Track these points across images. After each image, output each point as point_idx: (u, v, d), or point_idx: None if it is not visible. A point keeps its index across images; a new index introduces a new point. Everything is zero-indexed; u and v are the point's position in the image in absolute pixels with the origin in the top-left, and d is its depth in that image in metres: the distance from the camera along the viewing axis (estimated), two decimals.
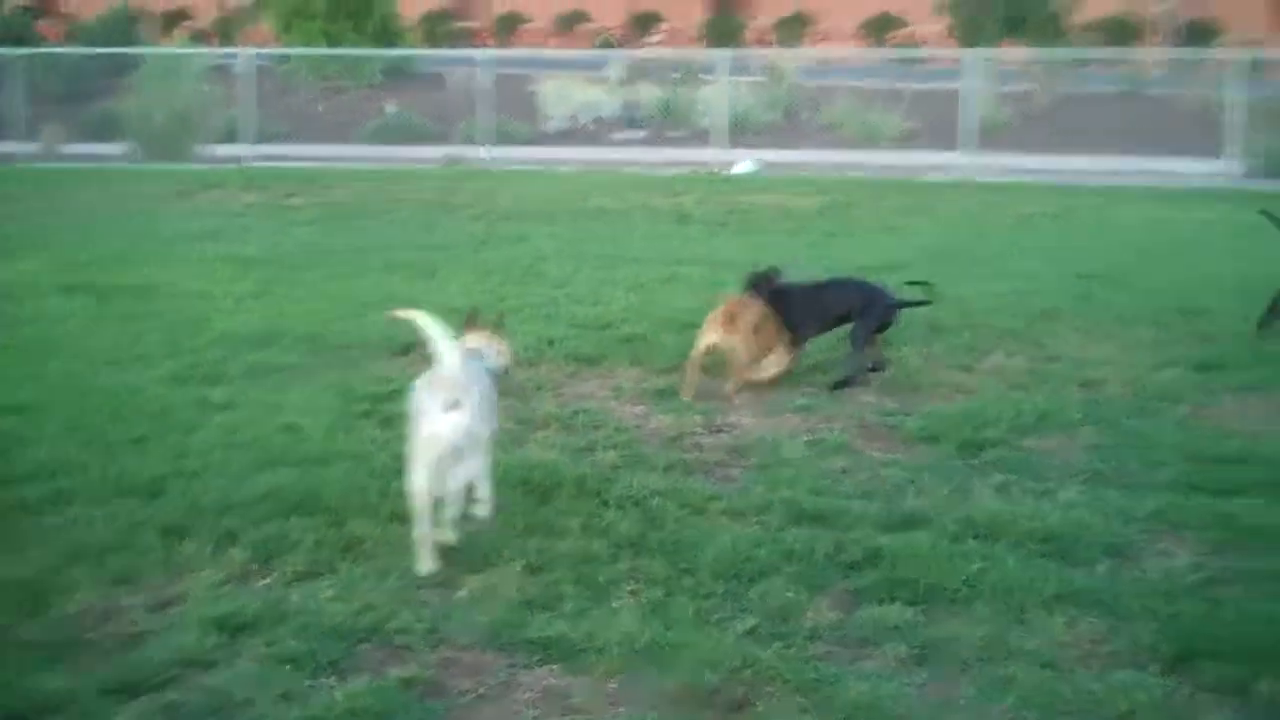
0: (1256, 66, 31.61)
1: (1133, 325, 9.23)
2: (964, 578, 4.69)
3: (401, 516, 5.29)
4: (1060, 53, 32.53)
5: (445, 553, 4.89)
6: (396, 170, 22.00)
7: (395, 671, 4.08)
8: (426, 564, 4.81)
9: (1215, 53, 32.41)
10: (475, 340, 5.36)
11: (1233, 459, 6.19)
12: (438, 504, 4.85)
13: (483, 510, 5.04)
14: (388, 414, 6.83)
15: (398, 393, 7.18)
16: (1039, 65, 31.34)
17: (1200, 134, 24.64)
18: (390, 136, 27.29)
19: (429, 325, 4.74)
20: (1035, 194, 19.26)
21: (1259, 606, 4.50)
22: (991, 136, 25.12)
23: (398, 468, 5.82)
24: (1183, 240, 14.21)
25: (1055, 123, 27.63)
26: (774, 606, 4.50)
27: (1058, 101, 30.42)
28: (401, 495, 5.04)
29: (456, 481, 4.83)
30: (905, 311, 8.04)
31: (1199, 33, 47.50)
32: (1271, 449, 6.44)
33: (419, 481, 4.77)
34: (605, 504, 5.46)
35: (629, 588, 4.65)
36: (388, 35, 35.93)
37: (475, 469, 4.89)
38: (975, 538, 5.11)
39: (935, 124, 25.76)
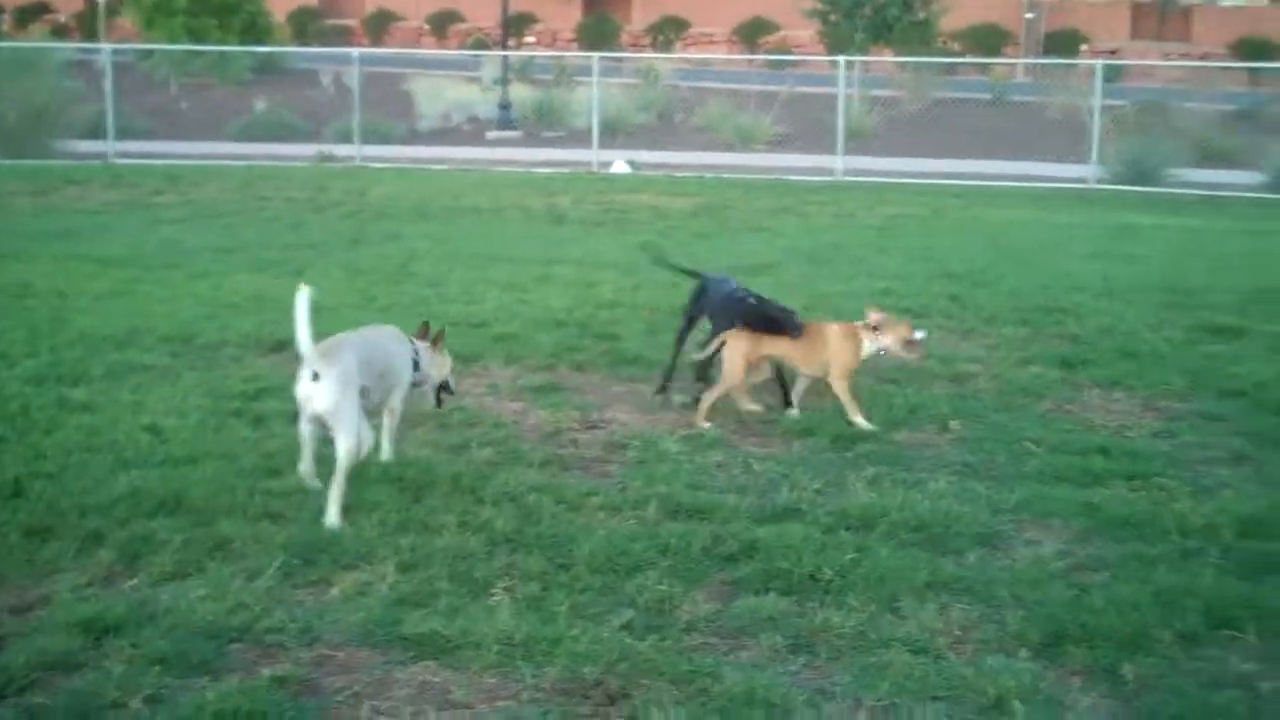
0: (1116, 74, 32.61)
1: (999, 323, 9.42)
2: (838, 568, 4.74)
3: (273, 515, 5.20)
4: (928, 59, 33.13)
5: (318, 551, 4.82)
6: (266, 168, 21.64)
7: (268, 670, 3.99)
8: (310, 480, 5.40)
9: (1078, 60, 33.29)
10: (421, 344, 6.02)
11: (1096, 450, 6.34)
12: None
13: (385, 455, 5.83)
14: (259, 413, 6.70)
15: (267, 391, 7.09)
16: (908, 71, 31.92)
17: (1064, 139, 25.29)
18: (260, 134, 26.84)
19: (300, 306, 5.14)
20: (904, 196, 19.60)
21: (1123, 592, 4.60)
22: (862, 140, 25.53)
23: (269, 467, 5.77)
24: (1047, 241, 14.55)
25: (924, 127, 28.13)
26: (651, 600, 4.50)
27: (926, 106, 30.97)
28: (273, 493, 5.32)
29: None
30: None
31: (1063, 41, 48.79)
32: (1133, 441, 6.62)
33: (301, 426, 5.40)
34: (481, 501, 5.41)
35: (505, 583, 4.61)
36: (255, 32, 35.38)
37: (349, 437, 5.26)
38: (848, 529, 5.17)
39: (807, 127, 26.09)
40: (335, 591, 4.58)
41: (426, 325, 6.21)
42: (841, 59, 25.02)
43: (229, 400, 7.01)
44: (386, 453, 5.88)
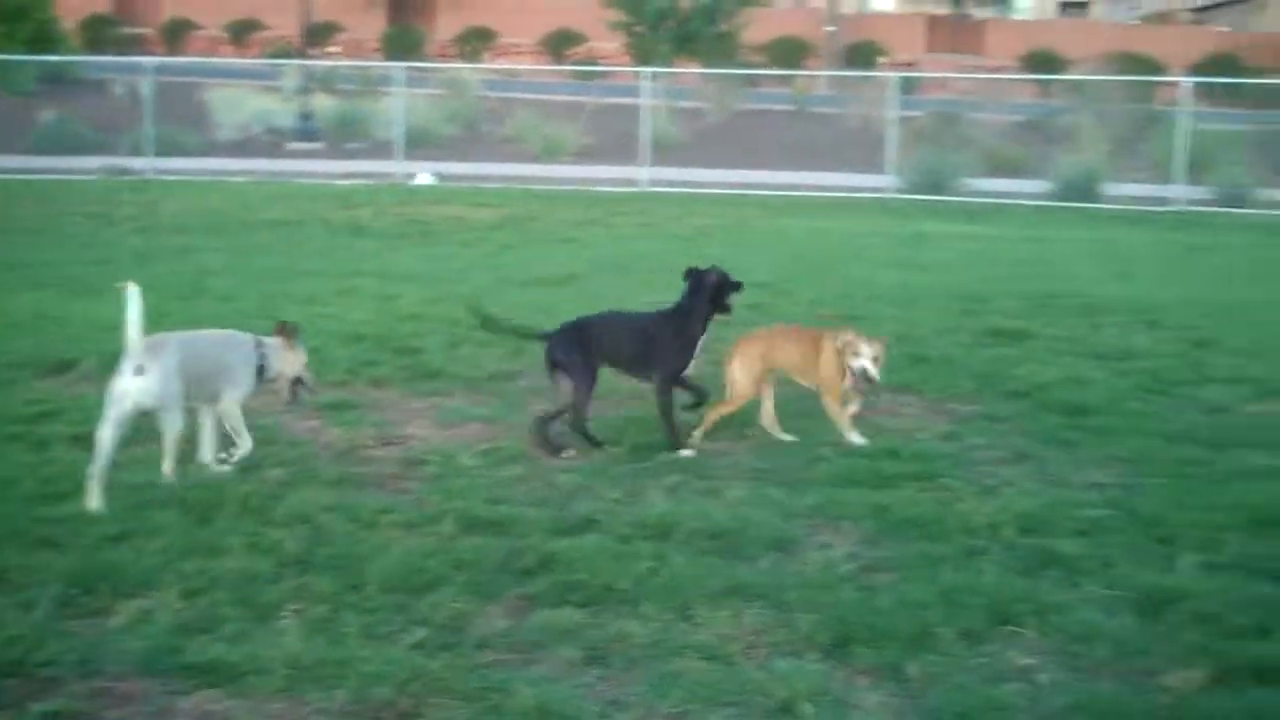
0: (912, 85, 33.61)
1: None
2: (634, 577, 4.75)
3: (52, 542, 4.99)
4: (732, 71, 33.66)
5: (98, 579, 4.63)
6: (54, 182, 20.83)
7: (39, 705, 3.82)
8: (93, 501, 5.35)
9: (876, 73, 34.20)
10: (273, 342, 6.17)
11: (886, 454, 6.49)
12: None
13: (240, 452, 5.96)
14: (40, 437, 6.43)
15: (51, 415, 6.81)
16: (713, 83, 32.40)
17: (864, 149, 25.99)
18: (48, 146, 25.84)
19: (131, 303, 5.40)
20: (710, 207, 19.88)
21: (910, 591, 4.71)
22: (668, 151, 25.80)
23: (49, 492, 5.53)
24: (847, 250, 14.90)
25: (729, 138, 28.60)
26: (444, 617, 4.44)
27: (731, 118, 31.51)
28: (53, 520, 5.17)
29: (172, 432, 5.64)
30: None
31: (862, 53, 50.08)
32: (922, 444, 6.80)
33: (103, 428, 5.43)
34: (270, 522, 5.28)
35: (294, 606, 4.50)
36: (44, 40, 34.08)
37: (174, 426, 5.61)
38: (646, 538, 5.19)
39: (613, 138, 26.24)
40: (115, 620, 4.41)
41: (282, 324, 6.31)
42: (647, 70, 25.27)
43: (8, 424, 6.70)
44: (208, 459, 6.01)
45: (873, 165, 24.08)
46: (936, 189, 22.66)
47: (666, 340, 6.75)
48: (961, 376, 8.24)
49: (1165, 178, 22.83)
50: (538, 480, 6.03)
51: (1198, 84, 27.63)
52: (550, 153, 26.23)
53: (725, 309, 6.94)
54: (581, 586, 4.69)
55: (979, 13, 58.37)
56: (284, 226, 15.90)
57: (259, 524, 5.25)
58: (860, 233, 16.92)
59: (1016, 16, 63.13)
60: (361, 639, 4.24)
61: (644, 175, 23.16)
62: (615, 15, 39.73)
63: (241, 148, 27.30)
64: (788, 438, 6.85)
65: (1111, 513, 5.68)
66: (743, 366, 6.79)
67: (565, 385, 6.63)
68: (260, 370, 6.10)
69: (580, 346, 6.66)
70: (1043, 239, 16.91)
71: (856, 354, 6.68)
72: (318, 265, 12.37)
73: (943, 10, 58.01)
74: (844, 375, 6.76)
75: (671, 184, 22.89)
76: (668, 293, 10.88)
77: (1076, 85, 31.94)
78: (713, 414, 6.75)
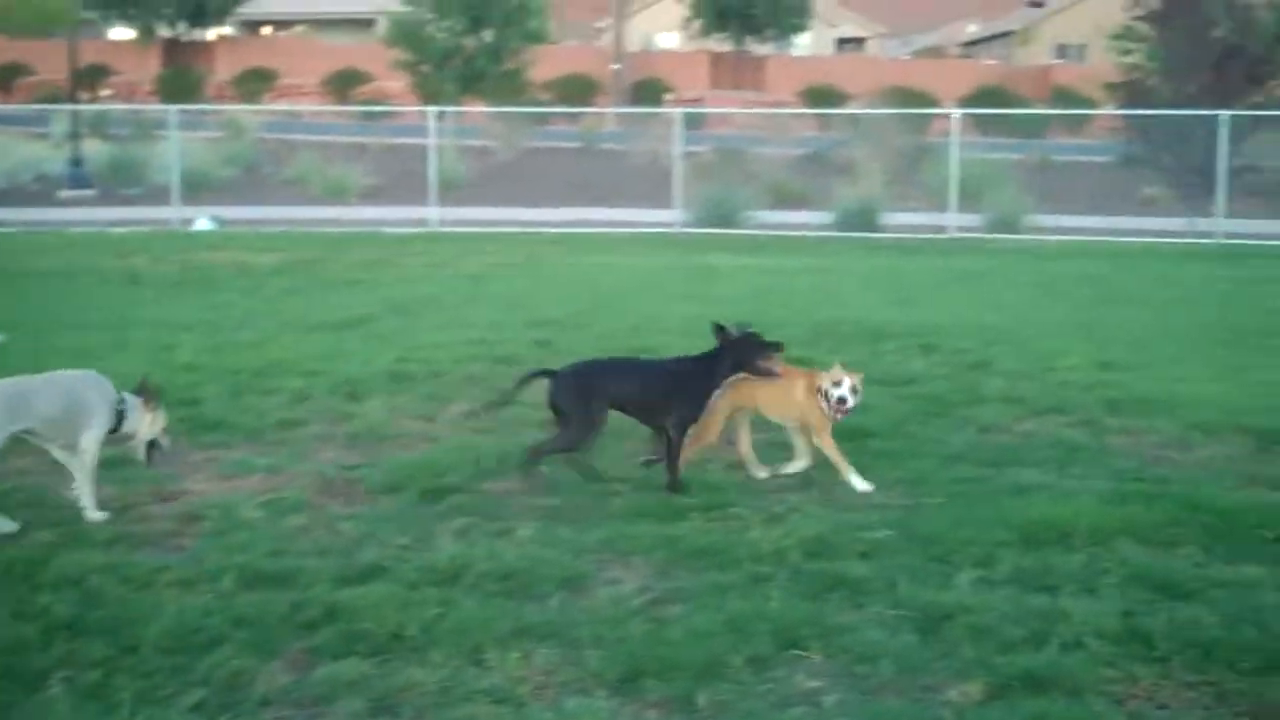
0: (697, 121, 34.20)
1: None
2: (422, 624, 4.67)
3: None
4: (519, 110, 33.77)
5: None
6: None
7: None
8: None
9: (661, 109, 34.70)
10: (133, 399, 6.18)
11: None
12: None
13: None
14: None
15: None
16: (500, 121, 32.45)
17: (651, 185, 26.30)
18: None
19: None
20: (498, 244, 19.85)
21: (699, 621, 4.74)
22: (456, 190, 25.70)
23: None
24: (637, 285, 15.03)
25: (517, 176, 28.64)
26: (224, 676, 4.29)
27: (519, 155, 31.58)
28: None
29: None
30: (369, 365, 7.98)
31: (649, 90, 50.79)
32: (711, 474, 6.88)
33: None
34: (38, 587, 5.03)
35: (63, 674, 4.29)
36: None
37: None
38: (434, 583, 5.11)
39: (400, 178, 26.02)
40: None
41: (144, 382, 6.34)
42: (431, 109, 25.13)
43: None
44: (89, 512, 6.01)
45: (660, 200, 24.38)
46: (723, 222, 23.07)
47: (685, 388, 6.67)
48: None
49: (940, 206, 23.67)
50: (322, 530, 5.89)
51: (968, 115, 28.80)
52: (335, 194, 25.84)
53: (755, 370, 6.78)
54: (367, 636, 4.59)
55: (760, 50, 59.76)
56: (54, 277, 15.28)
57: (26, 590, 4.99)
58: (650, 267, 17.10)
59: (796, 53, 64.86)
60: (137, 703, 4.06)
61: (433, 215, 23.01)
62: (399, 55, 39.46)
63: (9, 196, 26.16)
64: (763, 473, 6.83)
65: (893, 534, 5.83)
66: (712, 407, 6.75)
67: (562, 427, 6.60)
68: (119, 419, 6.12)
69: (587, 390, 6.57)
70: (825, 268, 17.35)
71: (838, 384, 6.69)
72: (90, 317, 11.90)
73: (725, 48, 59.21)
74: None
75: (461, 223, 22.79)
76: (457, 332, 10.90)
77: (854, 119, 32.95)
78: (687, 452, 6.71)
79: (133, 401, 6.19)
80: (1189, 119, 23.46)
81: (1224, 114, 22.46)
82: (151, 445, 6.29)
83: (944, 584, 5.21)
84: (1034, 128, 37.30)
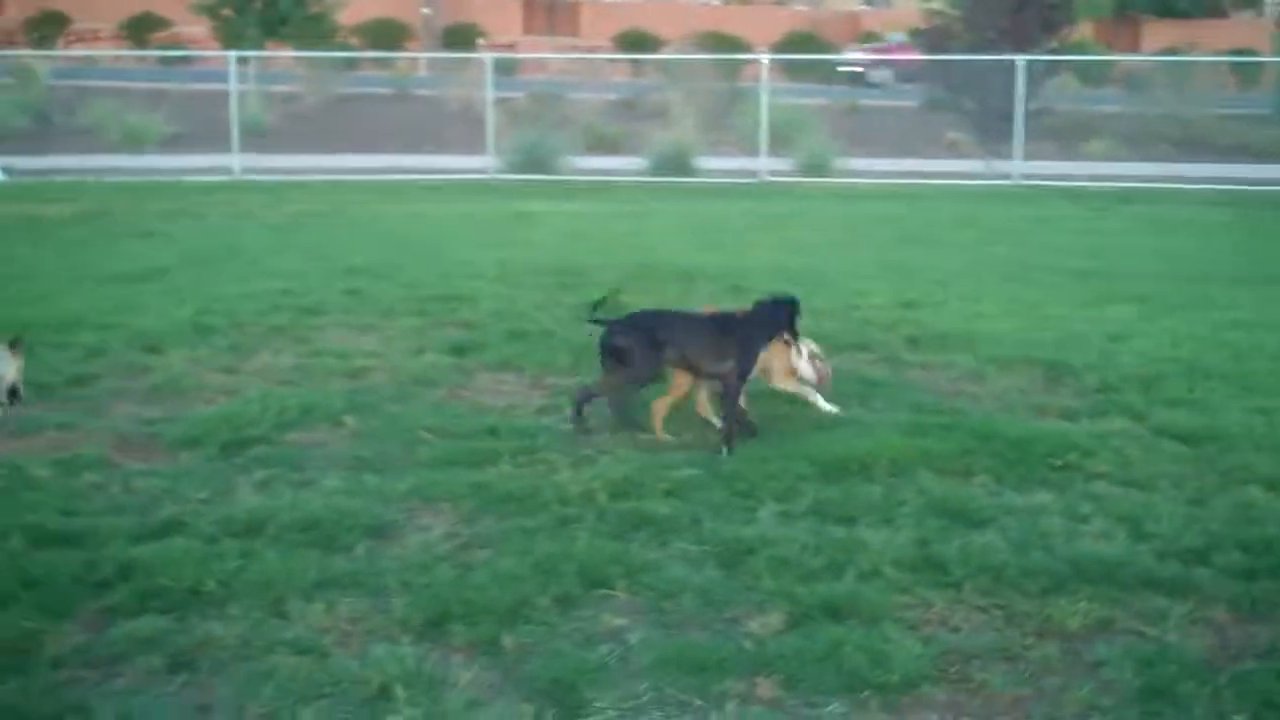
0: (510, 67, 33.92)
1: (396, 316, 9.50)
2: (220, 578, 4.58)
3: None
4: (327, 54, 32.98)
5: None
6: None
7: None
8: None
9: (472, 54, 34.26)
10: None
11: (486, 432, 6.53)
12: None
13: None
14: None
15: None
16: (307, 66, 31.66)
17: (464, 131, 26.00)
18: None
19: None
20: (306, 193, 19.43)
21: (506, 565, 4.75)
22: (261, 138, 25.05)
23: None
24: (448, 232, 14.87)
25: (326, 123, 28.03)
26: (14, 638, 4.15)
27: (328, 102, 30.91)
28: None
29: None
30: (168, 317, 7.74)
31: (461, 35, 50.14)
32: (521, 419, 6.87)
33: None
34: None
35: None
36: None
37: None
38: (234, 536, 5.01)
39: (202, 126, 25.21)
40: None
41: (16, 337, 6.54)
42: (233, 54, 24.40)
43: None
44: None
45: (474, 147, 24.13)
46: (538, 168, 22.94)
47: (745, 341, 6.55)
48: (560, 351, 8.36)
49: (752, 151, 23.92)
50: (117, 487, 5.70)
51: (778, 61, 29.13)
52: (133, 143, 24.90)
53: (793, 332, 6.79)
54: (164, 592, 4.49)
55: None
56: None
57: None
58: (462, 214, 16.93)
59: None
60: None
61: (236, 163, 22.37)
62: None
63: None
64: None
65: (699, 472, 5.91)
66: None
67: (615, 372, 6.56)
68: None
69: (645, 338, 6.50)
70: (639, 213, 17.42)
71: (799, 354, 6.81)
72: None
73: None
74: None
75: (267, 171, 22.20)
76: (261, 282, 10.63)
77: (667, 65, 33.06)
78: (660, 407, 6.62)
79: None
80: (988, 64, 24.11)
81: (1020, 59, 23.14)
82: (11, 391, 6.39)
83: (747, 519, 5.32)
84: (842, 73, 37.86)
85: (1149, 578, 4.73)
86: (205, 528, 5.11)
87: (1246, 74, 40.86)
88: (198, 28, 41.40)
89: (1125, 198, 20.25)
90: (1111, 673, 4.06)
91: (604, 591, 4.62)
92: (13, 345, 6.43)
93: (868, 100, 35.49)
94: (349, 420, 6.78)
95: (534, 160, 23.17)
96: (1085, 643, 4.29)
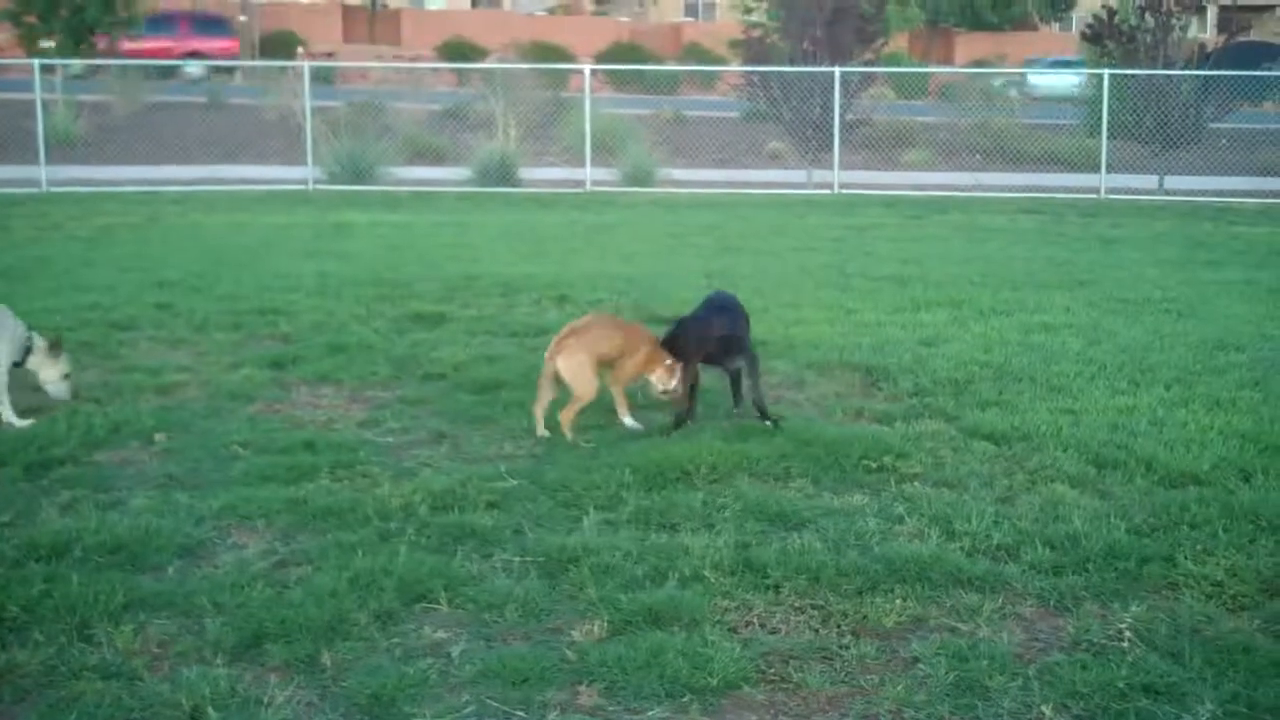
0: (329, 75, 33.41)
1: (210, 329, 9.28)
2: (24, 603, 4.41)
3: None
4: (137, 63, 32.08)
5: None
6: None
7: None
8: None
9: (289, 63, 33.63)
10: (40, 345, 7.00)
11: (302, 446, 6.40)
12: None
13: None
14: None
15: None
16: (117, 75, 30.76)
17: (282, 141, 25.52)
18: None
19: None
20: (118, 204, 18.86)
21: (323, 582, 4.66)
22: (69, 148, 24.24)
23: None
24: (267, 243, 14.58)
25: (139, 132, 27.21)
26: None
27: (140, 111, 30.05)
28: None
29: None
30: None
31: (280, 43, 49.25)
32: (341, 433, 6.76)
33: None
34: None
35: None
36: None
37: None
38: (38, 560, 4.83)
39: (7, 136, 24.28)
40: None
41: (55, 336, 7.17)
42: (37, 62, 23.55)
43: None
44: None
45: (293, 157, 23.70)
46: (358, 179, 22.65)
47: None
48: (380, 362, 8.27)
49: (576, 161, 23.98)
50: None
51: (602, 71, 29.25)
52: None
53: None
54: None
55: (394, 3, 58.89)
56: None
57: None
58: (280, 225, 16.61)
59: (432, 7, 64.26)
60: None
61: (43, 175, 21.58)
62: (2, 4, 36.71)
63: None
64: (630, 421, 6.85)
65: (522, 483, 5.90)
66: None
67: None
68: (25, 353, 6.94)
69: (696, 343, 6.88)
70: (463, 224, 17.31)
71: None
72: None
73: (358, 0, 58.07)
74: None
75: (76, 183, 21.46)
76: (70, 296, 10.25)
77: (490, 74, 32.94)
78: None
79: (39, 344, 7.02)
80: (805, 76, 24.58)
81: (836, 70, 23.64)
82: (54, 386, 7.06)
83: (570, 528, 5.32)
84: (666, 84, 38.23)
85: (961, 575, 4.87)
86: (8, 551, 4.92)
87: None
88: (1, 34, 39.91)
89: (940, 206, 20.84)
90: (925, 669, 4.16)
91: (425, 605, 4.57)
92: (50, 346, 7.04)
93: (691, 111, 35.87)
94: (159, 437, 6.59)
95: (355, 171, 22.87)
96: (900, 640, 4.39)
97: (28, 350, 6.97)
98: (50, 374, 7.06)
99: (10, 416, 6.79)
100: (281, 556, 5.00)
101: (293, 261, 12.94)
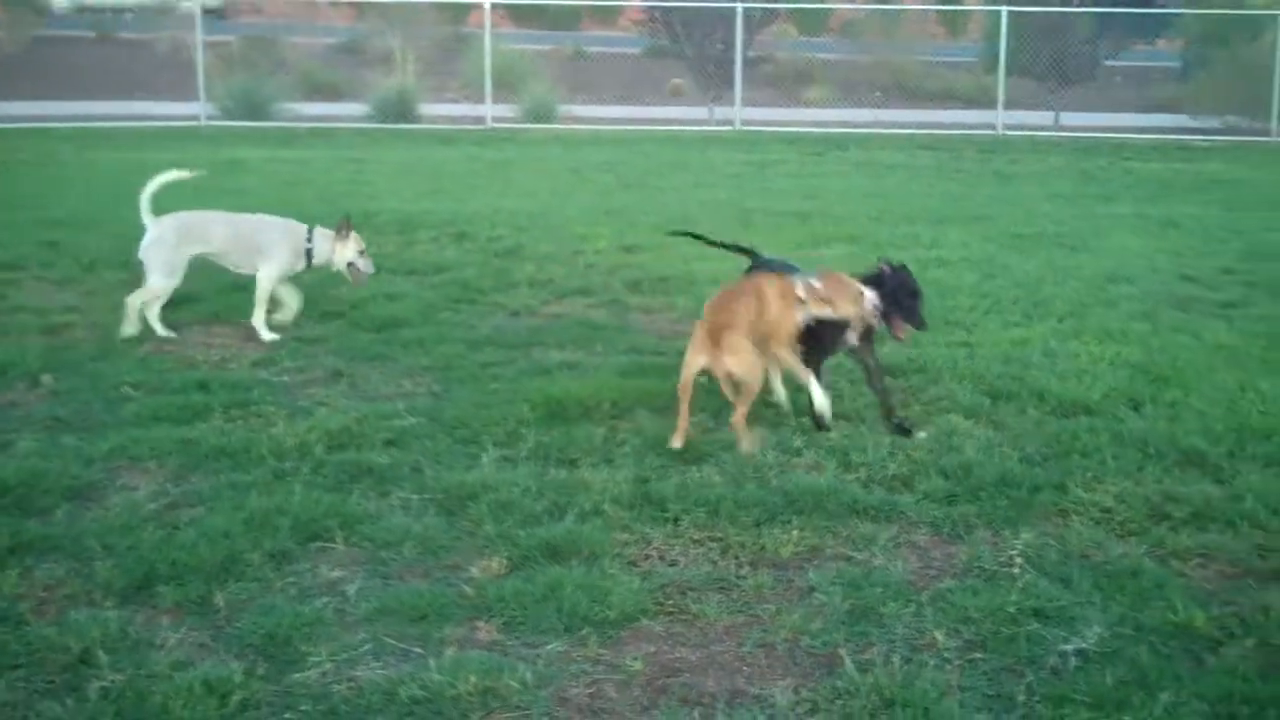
0: (221, 9, 32.62)
1: (99, 269, 9.07)
2: None
3: None
4: None
5: None
6: None
7: None
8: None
9: None
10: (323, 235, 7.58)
11: (195, 387, 6.30)
12: None
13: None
14: None
15: None
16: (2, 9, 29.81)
17: (175, 76, 24.90)
18: None
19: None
20: (5, 142, 18.32)
21: (215, 522, 4.59)
22: None
23: None
24: None
25: (25, 67, 26.42)
26: None
27: (27, 46, 29.15)
28: None
29: None
30: None
31: None
32: (235, 373, 6.65)
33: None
34: None
35: None
36: None
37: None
38: None
39: None
40: None
41: (343, 219, 7.69)
42: None
43: None
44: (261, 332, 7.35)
45: (186, 92, 23.15)
46: (253, 114, 22.22)
47: None
48: (275, 301, 8.13)
49: (477, 97, 23.70)
50: None
51: (502, 5, 28.86)
52: None
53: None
54: None
55: None
56: None
57: None
58: (172, 162, 16.13)
59: None
60: None
61: None
62: None
63: None
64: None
65: (420, 421, 5.85)
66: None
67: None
68: (309, 256, 7.49)
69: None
70: (361, 160, 17.07)
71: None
72: None
73: None
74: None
75: None
76: None
77: (388, 9, 32.36)
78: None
79: (322, 236, 7.53)
80: (708, 11, 24.46)
81: (740, 6, 23.55)
82: (350, 266, 7.55)
83: (469, 465, 5.29)
84: (567, 19, 37.81)
85: (857, 506, 4.92)
86: None
87: (954, 23, 42.64)
88: None
89: (840, 143, 20.94)
90: (821, 597, 4.20)
91: (320, 544, 4.52)
92: (338, 229, 7.56)
93: (593, 47, 35.56)
94: (46, 379, 6.43)
95: (249, 107, 22.43)
96: (797, 570, 4.43)
97: (309, 254, 7.45)
98: (347, 254, 7.52)
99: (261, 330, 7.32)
100: (173, 498, 4.91)
101: (182, 198, 12.62)
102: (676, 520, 4.77)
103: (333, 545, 4.52)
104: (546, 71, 25.88)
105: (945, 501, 5.01)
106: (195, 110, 22.31)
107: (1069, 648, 3.87)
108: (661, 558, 4.50)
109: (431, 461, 5.33)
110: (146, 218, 7.48)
